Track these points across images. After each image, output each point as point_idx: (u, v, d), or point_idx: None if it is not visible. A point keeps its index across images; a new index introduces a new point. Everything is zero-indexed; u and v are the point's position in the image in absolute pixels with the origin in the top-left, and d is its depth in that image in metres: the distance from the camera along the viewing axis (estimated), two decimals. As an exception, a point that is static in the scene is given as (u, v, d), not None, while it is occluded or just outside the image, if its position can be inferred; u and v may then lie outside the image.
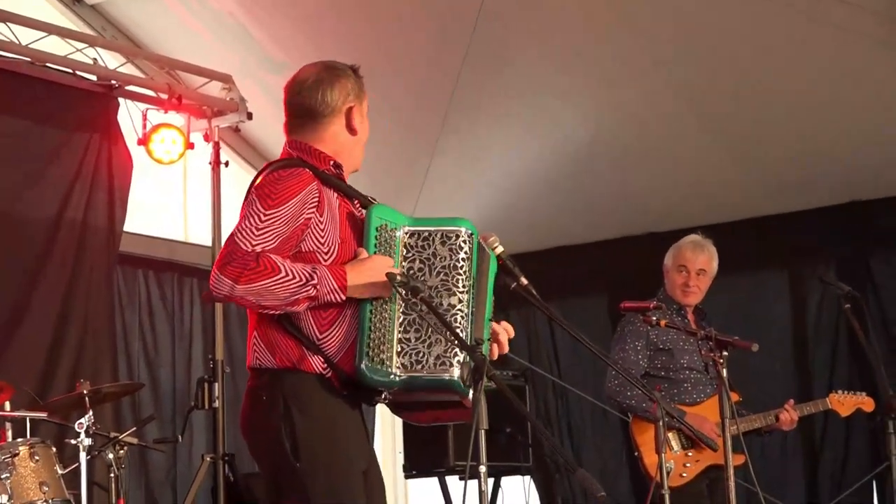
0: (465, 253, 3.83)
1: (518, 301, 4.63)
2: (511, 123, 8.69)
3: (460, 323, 3.78)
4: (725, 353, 5.53)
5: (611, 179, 8.68)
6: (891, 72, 7.89)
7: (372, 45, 8.18)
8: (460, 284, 3.83)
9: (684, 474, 6.18)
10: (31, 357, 7.38)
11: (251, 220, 3.79)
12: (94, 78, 7.86)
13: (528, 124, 8.69)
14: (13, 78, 7.47)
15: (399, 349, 3.77)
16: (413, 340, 3.77)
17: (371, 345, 3.72)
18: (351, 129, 3.99)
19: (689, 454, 6.21)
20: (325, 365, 3.82)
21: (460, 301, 3.82)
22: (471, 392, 3.68)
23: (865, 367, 7.86)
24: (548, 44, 8.13)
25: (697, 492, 6.16)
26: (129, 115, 8.07)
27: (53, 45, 7.63)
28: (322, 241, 3.83)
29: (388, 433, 9.69)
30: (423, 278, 3.81)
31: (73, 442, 5.94)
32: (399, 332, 3.79)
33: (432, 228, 3.88)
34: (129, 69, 8.17)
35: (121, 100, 8.02)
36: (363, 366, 3.69)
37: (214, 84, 8.26)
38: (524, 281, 4.50)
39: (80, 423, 5.92)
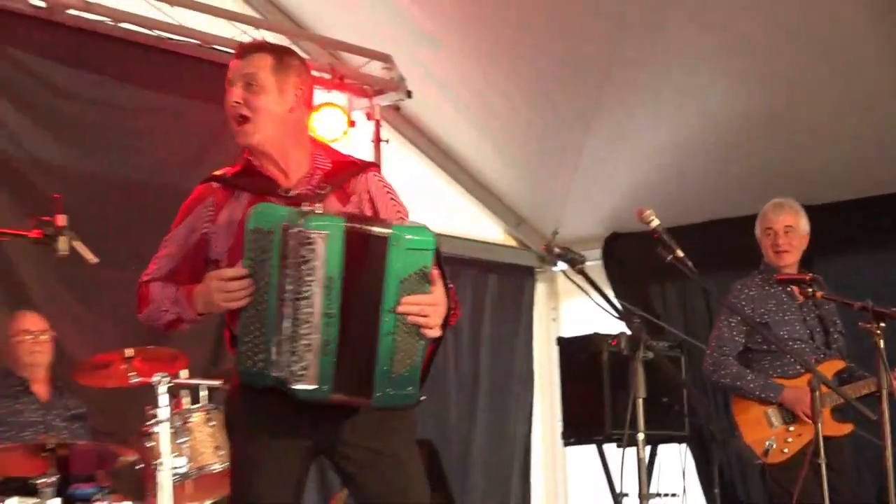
0: (316, 256, 3.66)
1: (674, 273, 4.77)
2: (663, 98, 8.61)
3: (313, 323, 3.68)
4: (883, 325, 5.38)
5: (762, 151, 8.59)
6: None
7: (523, 20, 8.10)
8: (307, 282, 3.66)
9: (786, 450, 6.05)
10: (202, 328, 7.34)
11: (159, 248, 4.03)
12: None
13: (680, 97, 8.59)
14: (181, 59, 7.64)
15: (275, 349, 3.70)
16: (278, 341, 3.67)
17: (244, 346, 3.70)
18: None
19: (791, 429, 6.06)
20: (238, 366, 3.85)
21: (311, 300, 3.68)
22: (333, 396, 3.68)
23: None
24: (700, 16, 7.96)
25: (800, 466, 5.82)
26: None
27: (220, 28, 7.76)
28: (217, 250, 3.87)
29: (546, 403, 9.77)
30: (289, 275, 3.67)
31: None
32: (274, 330, 3.68)
33: (292, 228, 3.66)
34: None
35: None
36: (239, 367, 3.75)
37: (374, 63, 8.36)
38: (680, 253, 4.73)
39: None
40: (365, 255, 3.71)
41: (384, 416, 3.85)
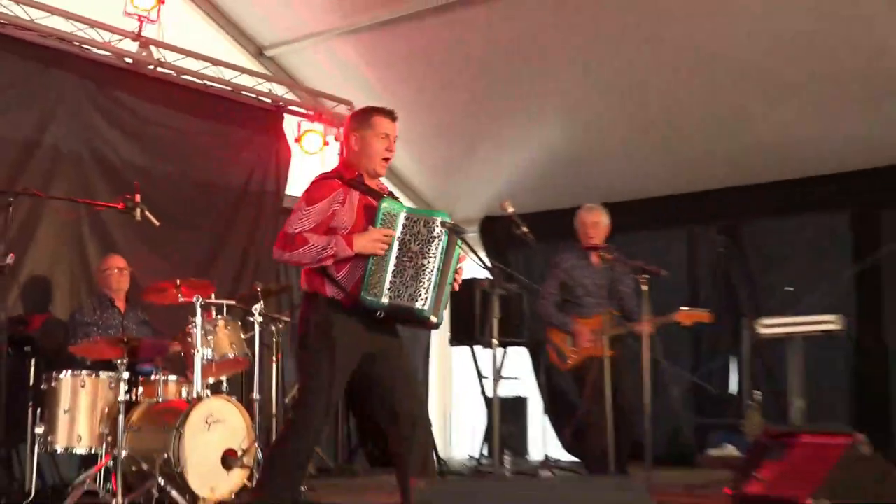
0: (437, 233, 3.85)
1: (523, 243, 4.82)
2: (520, 126, 8.26)
3: (428, 276, 3.81)
4: (646, 276, 5.41)
5: (593, 161, 8.17)
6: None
7: (436, 78, 7.96)
8: (430, 253, 3.84)
9: (569, 361, 5.98)
10: (227, 270, 7.54)
11: (296, 211, 3.95)
12: (269, 101, 8.09)
13: (526, 129, 8.29)
14: (220, 100, 7.74)
15: (388, 284, 3.81)
16: (398, 282, 3.81)
17: (369, 283, 3.79)
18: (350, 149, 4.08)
19: (574, 348, 5.93)
20: (339, 292, 3.86)
21: (431, 263, 3.83)
22: (432, 317, 3.82)
23: (731, 292, 7.72)
24: (543, 75, 7.67)
25: (579, 368, 5.88)
26: (289, 124, 8.22)
27: (244, 80, 7.87)
28: (341, 222, 3.88)
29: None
30: (412, 244, 3.83)
31: (251, 319, 5.88)
32: (389, 275, 3.81)
33: (420, 216, 3.91)
34: (290, 96, 8.30)
35: (285, 114, 8.21)
36: (362, 295, 3.79)
37: (342, 106, 8.33)
38: (525, 230, 4.81)
39: (256, 308, 5.85)
40: (452, 243, 3.91)
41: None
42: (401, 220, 3.86)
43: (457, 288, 4.02)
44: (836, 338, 6.49)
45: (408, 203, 7.17)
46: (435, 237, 3.84)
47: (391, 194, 4.09)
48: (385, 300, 3.78)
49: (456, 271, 3.97)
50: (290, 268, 8.31)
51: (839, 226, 7.63)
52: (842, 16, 6.52)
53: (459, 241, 3.94)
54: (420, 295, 3.79)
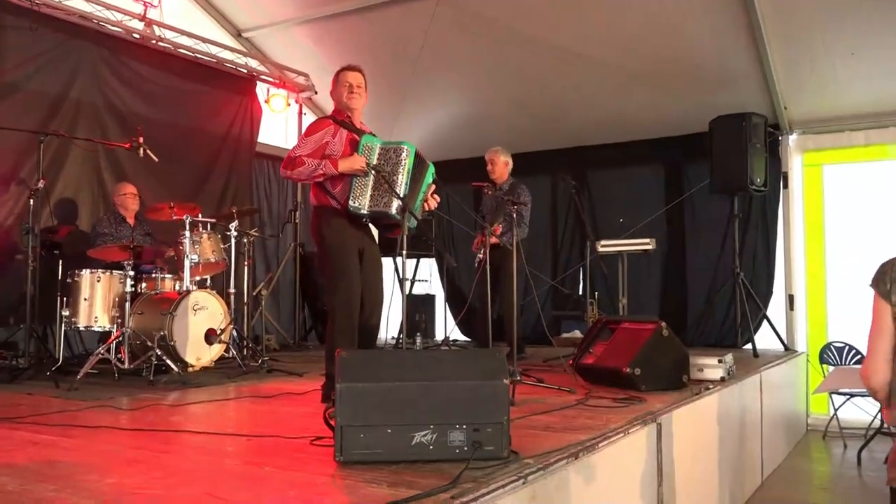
0: (403, 158, 3.77)
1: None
2: (432, 99, 8.01)
3: (400, 188, 3.72)
4: (515, 207, 5.12)
5: (499, 120, 7.78)
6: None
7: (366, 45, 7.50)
8: (399, 172, 3.76)
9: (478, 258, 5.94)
10: (211, 196, 7.36)
11: (298, 142, 3.92)
12: (245, 72, 7.85)
13: (436, 103, 8.02)
14: (206, 69, 7.46)
15: (370, 196, 3.75)
16: (376, 195, 3.75)
17: (354, 195, 3.74)
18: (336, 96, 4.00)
19: (481, 255, 5.80)
20: (336, 203, 3.81)
21: (399, 178, 3.75)
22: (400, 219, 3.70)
23: (580, 222, 7.58)
24: (449, 63, 7.48)
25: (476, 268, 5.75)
26: (260, 89, 8.00)
27: (226, 55, 7.62)
28: (333, 150, 3.81)
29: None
30: (385, 167, 3.75)
31: (228, 234, 5.75)
32: (370, 190, 3.75)
33: (391, 146, 3.82)
34: (261, 68, 8.01)
35: (257, 82, 7.97)
36: (349, 203, 3.73)
37: (301, 77, 8.20)
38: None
39: (232, 225, 5.75)
40: (422, 163, 3.87)
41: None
42: (377, 150, 3.80)
43: (428, 207, 3.95)
44: (651, 255, 6.53)
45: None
46: (402, 160, 3.77)
47: (371, 133, 3.97)
48: (366, 209, 3.72)
49: (425, 193, 3.90)
50: (261, 195, 8.25)
51: (655, 177, 7.68)
52: (662, 24, 6.55)
53: (433, 172, 3.92)
54: (393, 203, 3.71)
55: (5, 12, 5.83)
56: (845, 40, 6.15)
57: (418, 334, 6.82)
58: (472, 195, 7.67)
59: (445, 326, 8.19)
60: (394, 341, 7.20)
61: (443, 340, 7.23)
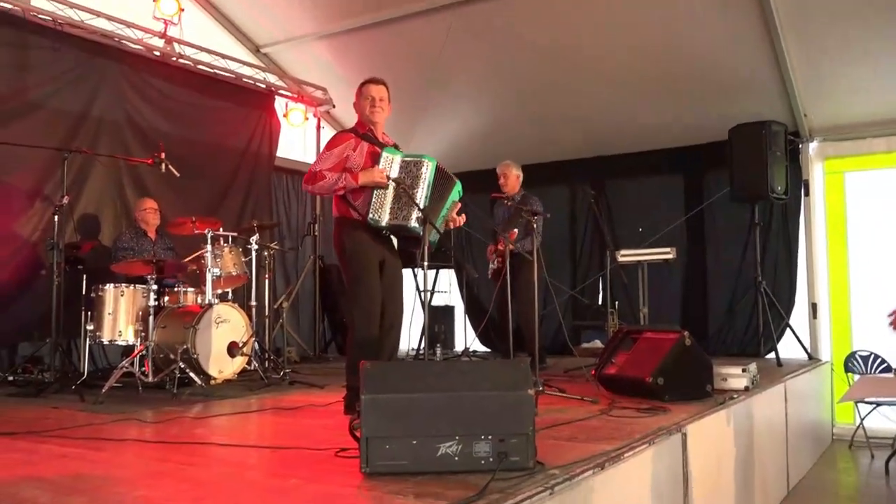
0: (424, 171, 3.76)
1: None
2: (448, 113, 8.00)
3: (420, 202, 3.70)
4: (527, 209, 5.15)
5: (507, 134, 7.84)
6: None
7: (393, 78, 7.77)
8: (419, 186, 3.75)
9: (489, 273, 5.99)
10: (231, 210, 7.38)
11: (319, 156, 3.90)
12: (263, 87, 7.90)
13: (452, 116, 8.00)
14: (226, 85, 7.50)
15: (389, 209, 3.75)
16: (396, 207, 3.74)
17: (374, 207, 3.73)
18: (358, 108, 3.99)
19: (495, 265, 5.91)
20: (357, 214, 3.80)
21: (420, 192, 3.74)
22: (421, 232, 3.66)
23: (599, 231, 7.56)
24: (471, 75, 7.54)
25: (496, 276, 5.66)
26: (278, 104, 8.01)
27: (244, 70, 7.68)
28: (353, 164, 3.81)
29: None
30: (405, 180, 3.73)
31: (249, 247, 5.79)
32: (390, 202, 3.75)
33: (412, 159, 3.81)
34: (279, 83, 8.08)
35: (275, 96, 7.99)
36: (369, 216, 3.73)
37: (319, 91, 8.22)
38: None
39: (253, 239, 5.79)
40: (447, 180, 3.85)
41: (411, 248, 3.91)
42: (397, 163, 3.78)
43: (454, 225, 3.92)
44: (671, 264, 6.54)
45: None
46: (422, 173, 3.76)
47: (395, 145, 3.96)
48: (385, 221, 3.71)
49: (449, 209, 3.86)
50: (280, 208, 8.25)
51: (675, 186, 7.64)
52: (680, 33, 6.53)
53: (459, 189, 3.88)
54: (412, 216, 3.70)
55: (29, 32, 5.89)
56: (865, 46, 6.11)
57: (438, 345, 6.78)
58: (484, 206, 7.67)
59: (466, 337, 8.16)
60: (413, 353, 7.24)
61: (463, 351, 7.20)
